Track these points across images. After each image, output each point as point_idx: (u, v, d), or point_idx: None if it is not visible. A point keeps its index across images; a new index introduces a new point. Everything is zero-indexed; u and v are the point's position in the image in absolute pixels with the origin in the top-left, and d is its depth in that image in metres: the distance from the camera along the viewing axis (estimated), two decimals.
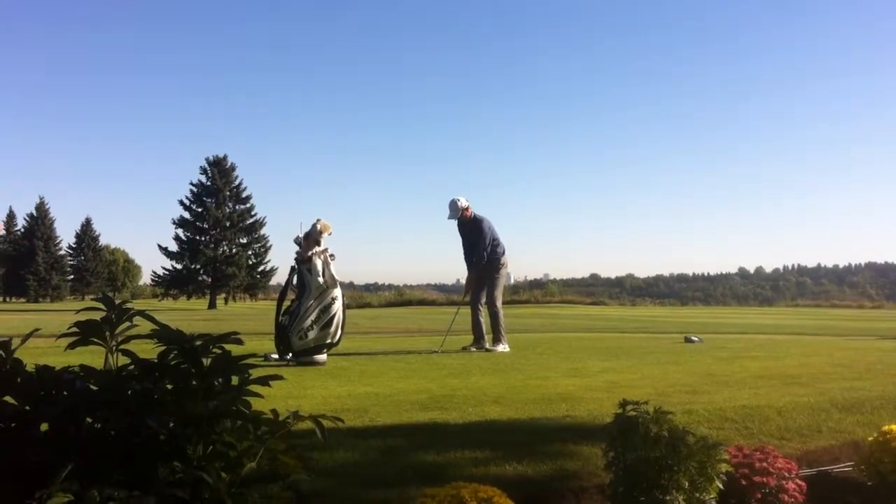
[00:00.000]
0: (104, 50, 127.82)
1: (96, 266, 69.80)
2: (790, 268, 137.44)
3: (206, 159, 46.78)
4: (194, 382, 1.60)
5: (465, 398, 4.46)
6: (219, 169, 46.60)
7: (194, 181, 46.54)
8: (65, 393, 1.62)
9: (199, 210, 46.21)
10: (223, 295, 47.40)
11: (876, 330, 13.51)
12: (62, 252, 66.72)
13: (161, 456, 1.51)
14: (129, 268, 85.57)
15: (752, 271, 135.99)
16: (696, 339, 9.44)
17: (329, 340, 6.81)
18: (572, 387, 4.99)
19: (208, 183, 46.35)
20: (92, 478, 1.42)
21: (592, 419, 3.76)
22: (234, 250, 46.83)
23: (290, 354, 6.74)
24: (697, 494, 2.41)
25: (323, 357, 6.72)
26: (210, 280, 45.71)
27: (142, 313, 1.76)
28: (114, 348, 1.72)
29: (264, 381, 1.68)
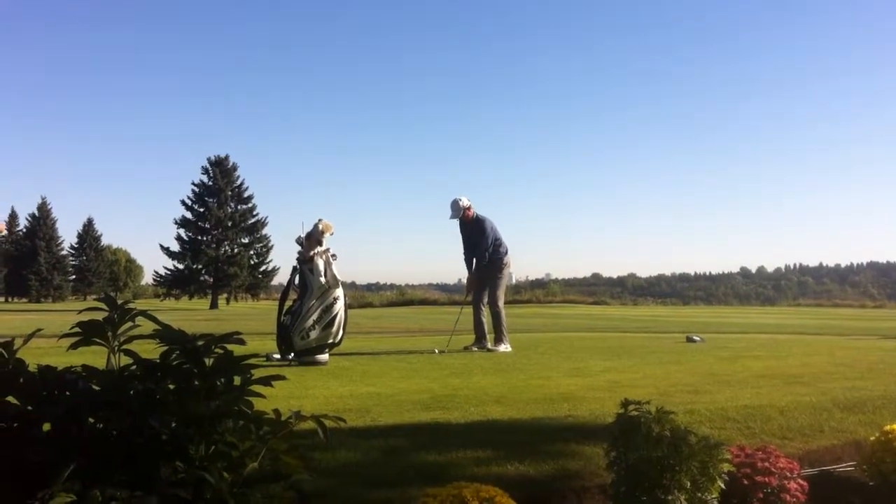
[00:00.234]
0: (105, 50, 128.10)
1: (98, 266, 69.90)
2: (792, 267, 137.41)
3: (208, 159, 46.90)
4: (196, 382, 1.60)
5: (466, 398, 4.46)
6: (220, 169, 46.65)
7: (196, 181, 46.65)
8: (67, 393, 1.62)
9: (201, 210, 46.27)
10: (225, 295, 47.47)
11: (878, 329, 13.49)
12: (64, 252, 66.85)
13: (163, 456, 1.51)
14: (131, 268, 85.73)
15: (753, 271, 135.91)
16: (697, 338, 9.44)
17: (331, 340, 6.81)
18: (574, 386, 4.99)
19: (210, 183, 46.40)
20: (94, 478, 1.42)
21: (594, 419, 3.76)
22: (235, 250, 46.89)
23: (292, 354, 6.75)
24: (699, 494, 2.41)
25: (325, 357, 6.73)
26: (212, 280, 45.77)
27: (144, 313, 1.76)
28: (116, 348, 1.72)
29: (266, 381, 1.68)
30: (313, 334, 6.72)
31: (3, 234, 55.88)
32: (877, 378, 5.41)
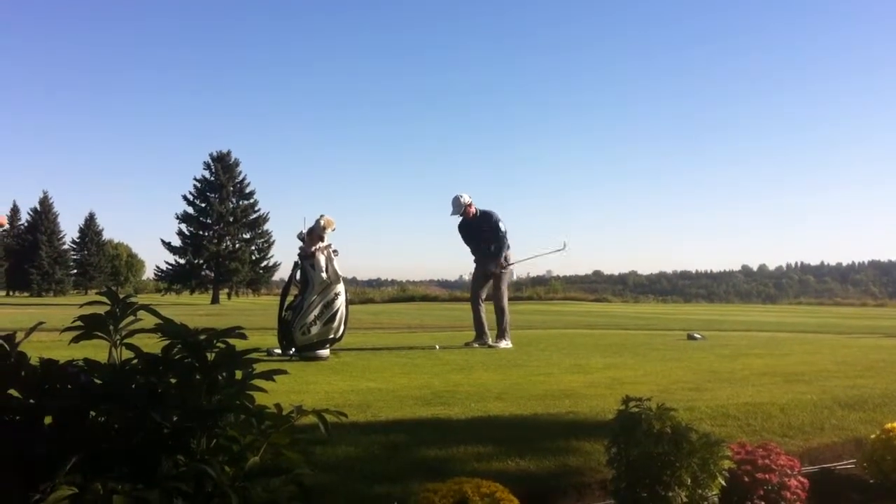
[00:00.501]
0: (107, 45, 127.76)
1: (99, 261, 70.06)
2: (793, 265, 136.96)
3: (210, 155, 46.97)
4: (198, 377, 1.61)
5: (467, 394, 4.46)
6: (222, 164, 46.69)
7: (198, 176, 46.71)
8: (69, 387, 1.62)
9: (203, 205, 46.33)
10: (226, 290, 47.54)
11: (879, 328, 13.49)
12: (65, 246, 67.04)
13: (165, 449, 1.51)
14: (133, 262, 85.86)
15: (755, 269, 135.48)
16: (698, 336, 9.44)
17: (332, 336, 6.82)
18: (575, 383, 5.00)
19: (212, 178, 46.45)
20: (96, 471, 1.43)
21: (595, 415, 3.76)
22: (237, 245, 46.98)
23: (293, 349, 6.76)
24: (700, 491, 2.41)
25: (326, 352, 6.74)
26: (213, 275, 45.85)
27: (146, 307, 1.76)
28: (118, 342, 1.72)
29: (268, 375, 1.68)
30: (314, 330, 6.73)
31: (4, 227, 56.01)
32: (877, 376, 5.41)
